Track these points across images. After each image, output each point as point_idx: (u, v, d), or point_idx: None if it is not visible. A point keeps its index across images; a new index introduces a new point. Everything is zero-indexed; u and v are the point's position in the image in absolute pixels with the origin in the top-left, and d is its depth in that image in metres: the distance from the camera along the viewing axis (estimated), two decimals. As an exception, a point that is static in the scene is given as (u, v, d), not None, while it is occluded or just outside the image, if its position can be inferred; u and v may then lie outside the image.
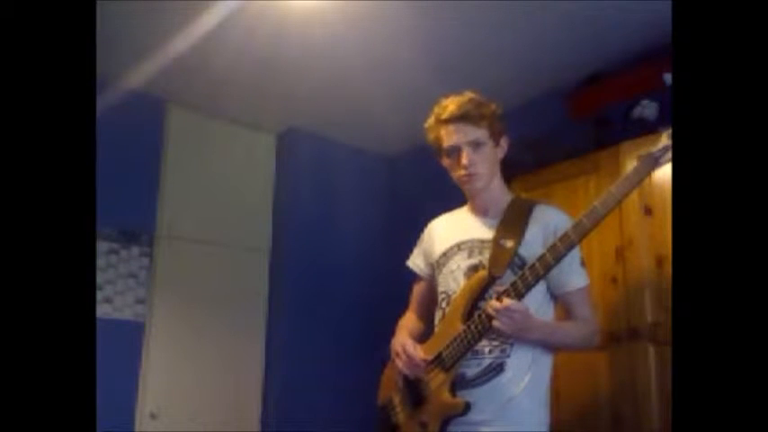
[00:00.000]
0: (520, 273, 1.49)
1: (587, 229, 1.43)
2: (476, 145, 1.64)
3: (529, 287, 1.47)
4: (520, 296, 1.47)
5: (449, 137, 1.65)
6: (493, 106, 1.68)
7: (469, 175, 1.66)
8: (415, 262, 1.88)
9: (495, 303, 1.46)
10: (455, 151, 1.65)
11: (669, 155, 1.37)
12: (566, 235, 1.44)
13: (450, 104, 1.66)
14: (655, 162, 1.39)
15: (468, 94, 1.68)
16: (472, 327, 1.52)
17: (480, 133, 1.64)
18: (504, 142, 1.72)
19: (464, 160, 1.64)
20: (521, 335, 1.51)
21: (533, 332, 1.52)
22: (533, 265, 1.46)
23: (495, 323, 1.46)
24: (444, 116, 1.65)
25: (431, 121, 1.71)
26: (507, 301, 1.45)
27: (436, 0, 2.42)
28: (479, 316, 1.51)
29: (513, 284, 1.47)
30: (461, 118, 1.63)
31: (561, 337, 1.61)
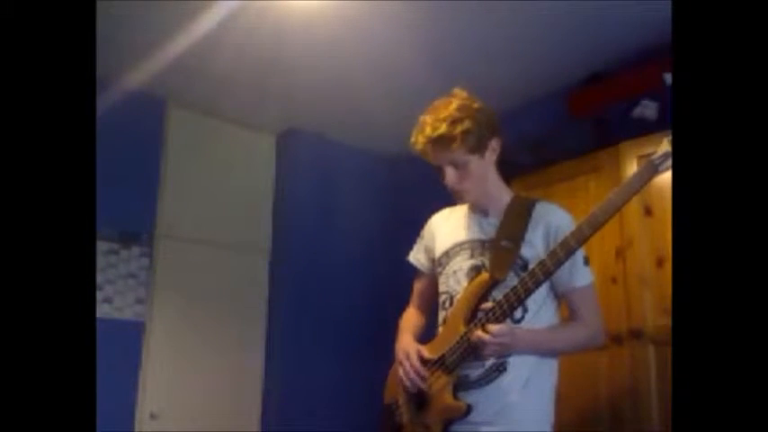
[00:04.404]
0: (520, 279, 1.49)
1: (587, 236, 1.43)
2: (456, 164, 1.61)
3: (529, 293, 1.47)
4: (520, 302, 1.48)
5: (430, 156, 1.62)
6: (468, 122, 1.57)
7: (455, 192, 1.67)
8: (417, 257, 1.88)
9: (480, 334, 1.48)
10: (439, 169, 1.64)
11: (669, 162, 1.37)
12: (565, 241, 1.44)
13: (427, 125, 1.60)
14: (655, 169, 1.39)
15: (446, 107, 1.59)
16: (472, 330, 1.52)
17: (457, 154, 1.59)
18: (494, 144, 1.66)
19: (447, 180, 1.63)
20: (510, 352, 1.54)
21: (522, 346, 1.54)
22: (533, 271, 1.47)
23: (487, 353, 1.50)
24: (421, 138, 1.61)
25: (413, 137, 1.66)
26: (491, 328, 1.47)
27: (436, 0, 2.42)
28: (480, 320, 1.52)
29: (514, 289, 1.48)
30: (436, 141, 1.58)
31: (554, 344, 1.61)
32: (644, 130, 2.32)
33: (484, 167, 1.65)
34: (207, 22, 2.54)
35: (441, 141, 1.58)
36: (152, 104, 3.23)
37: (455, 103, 1.60)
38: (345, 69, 2.93)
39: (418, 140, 1.63)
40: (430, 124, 1.59)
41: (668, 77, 2.36)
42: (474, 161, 1.61)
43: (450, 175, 1.62)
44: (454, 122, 1.57)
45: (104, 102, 2.72)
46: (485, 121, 1.61)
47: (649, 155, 1.42)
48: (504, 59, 2.86)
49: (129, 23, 2.58)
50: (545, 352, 1.60)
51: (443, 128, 1.57)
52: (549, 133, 2.81)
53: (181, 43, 2.68)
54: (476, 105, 1.62)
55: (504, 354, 1.53)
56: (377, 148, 3.83)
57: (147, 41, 2.73)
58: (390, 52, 2.78)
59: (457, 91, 1.66)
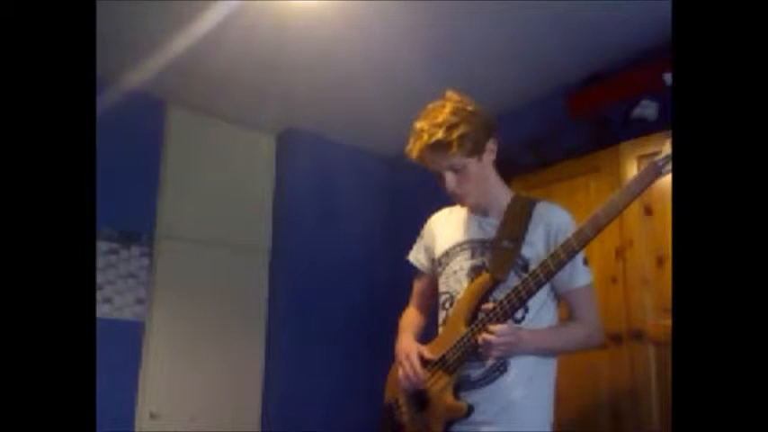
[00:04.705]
0: (522, 279, 1.49)
1: (589, 238, 1.43)
2: (454, 169, 1.60)
3: (531, 294, 1.47)
4: (522, 302, 1.48)
5: (428, 162, 1.61)
6: (464, 126, 1.56)
7: (456, 196, 1.66)
8: (417, 257, 1.88)
9: (487, 336, 1.47)
10: (438, 175, 1.64)
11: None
12: (568, 242, 1.44)
13: (423, 132, 1.58)
14: (658, 171, 1.38)
15: (441, 112, 1.58)
16: (475, 330, 1.52)
17: (455, 159, 1.58)
18: (491, 145, 1.65)
19: (447, 185, 1.62)
20: (514, 353, 1.53)
21: (525, 346, 1.53)
22: (535, 271, 1.46)
23: (492, 354, 1.49)
24: (418, 145, 1.59)
25: (409, 145, 1.63)
26: (494, 328, 1.46)
27: (436, 0, 2.42)
28: (482, 320, 1.52)
29: (515, 290, 1.48)
30: (434, 147, 1.56)
31: (555, 344, 1.61)
32: (644, 130, 2.32)
33: (482, 169, 1.64)
34: (207, 22, 2.54)
35: (438, 147, 1.56)
36: (152, 104, 3.23)
37: (449, 107, 1.59)
38: (345, 69, 2.93)
39: (415, 147, 1.61)
40: (426, 131, 1.58)
41: (668, 77, 2.36)
42: (472, 164, 1.61)
43: (450, 180, 1.61)
44: (450, 128, 1.56)
45: (104, 102, 2.72)
46: (480, 123, 1.60)
47: (649, 155, 1.43)
48: (504, 59, 2.85)
49: (129, 23, 2.58)
50: (546, 352, 1.60)
51: (440, 134, 1.55)
52: (549, 133, 2.81)
53: (181, 43, 2.68)
54: (470, 108, 1.60)
55: (508, 354, 1.53)
56: (377, 149, 3.83)
57: (147, 41, 2.72)
58: (390, 52, 2.78)
59: (449, 94, 1.64)
